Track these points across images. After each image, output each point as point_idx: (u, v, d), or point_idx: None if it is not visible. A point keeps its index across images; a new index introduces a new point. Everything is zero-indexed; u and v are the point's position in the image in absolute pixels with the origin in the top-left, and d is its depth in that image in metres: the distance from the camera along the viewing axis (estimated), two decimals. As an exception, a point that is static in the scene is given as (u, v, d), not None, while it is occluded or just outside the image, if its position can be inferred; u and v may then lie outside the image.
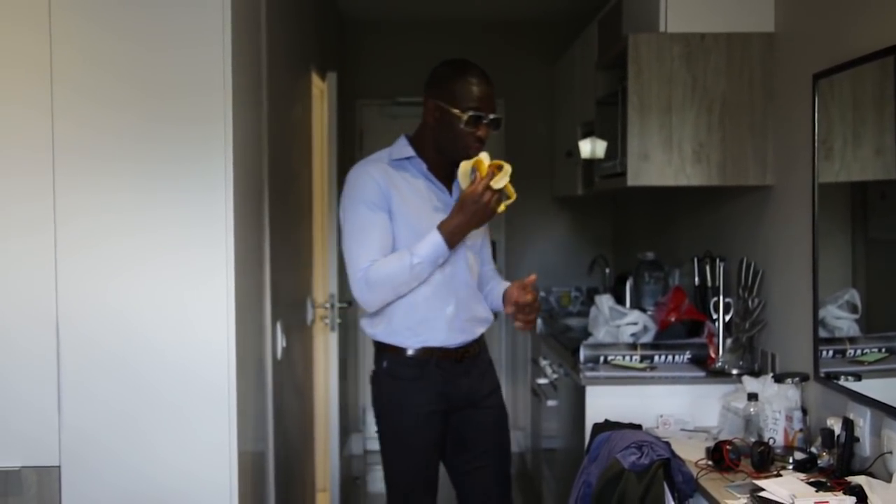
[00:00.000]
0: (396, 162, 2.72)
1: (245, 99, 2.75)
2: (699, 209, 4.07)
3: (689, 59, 3.20)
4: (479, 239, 2.85)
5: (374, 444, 6.10)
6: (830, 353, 2.82)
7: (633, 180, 3.23)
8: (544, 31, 6.04)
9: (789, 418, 2.87)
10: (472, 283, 2.80)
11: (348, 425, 6.07)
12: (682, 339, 3.54)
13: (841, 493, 2.27)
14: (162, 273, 2.54)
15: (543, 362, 4.31)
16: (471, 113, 2.63)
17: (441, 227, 2.62)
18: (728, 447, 2.65)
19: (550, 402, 4.04)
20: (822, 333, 2.83)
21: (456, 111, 2.64)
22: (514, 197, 2.67)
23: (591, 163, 3.86)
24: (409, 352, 2.71)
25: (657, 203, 4.83)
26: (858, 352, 2.72)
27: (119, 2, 2.50)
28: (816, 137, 2.79)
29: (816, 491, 2.29)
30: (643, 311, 3.79)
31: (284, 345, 3.30)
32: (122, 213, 2.53)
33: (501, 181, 2.62)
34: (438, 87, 2.69)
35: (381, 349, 2.76)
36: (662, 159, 3.22)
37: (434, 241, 2.61)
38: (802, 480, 2.40)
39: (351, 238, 2.66)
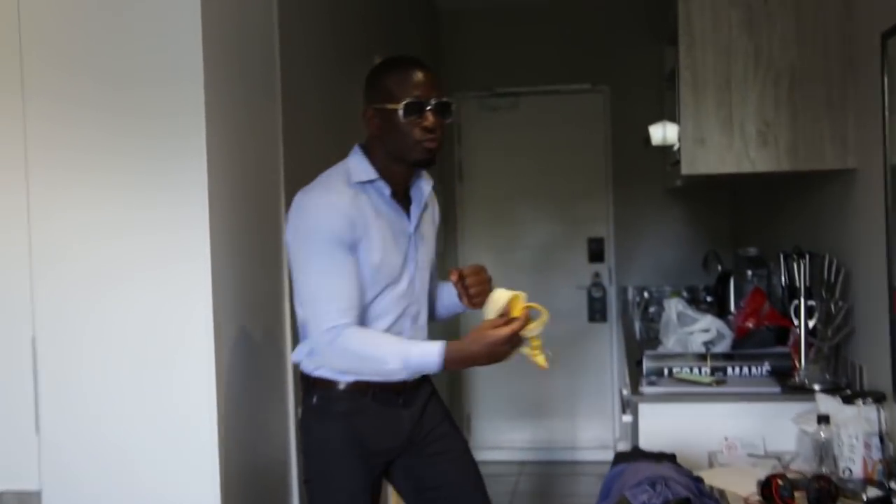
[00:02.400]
0: (359, 186, 2.34)
1: (234, 91, 2.54)
2: (797, 198, 3.59)
3: (750, 25, 2.77)
4: (431, 259, 2.55)
5: (480, 454, 5.90)
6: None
7: (687, 168, 2.82)
8: (653, 5, 5.59)
9: (868, 445, 2.41)
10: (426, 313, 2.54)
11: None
12: (763, 349, 3.10)
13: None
14: (144, 284, 2.37)
15: (627, 371, 3.92)
16: (406, 100, 2.29)
17: (449, 349, 2.25)
18: (779, 481, 2.23)
19: (626, 418, 3.65)
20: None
21: (391, 105, 2.30)
22: (542, 362, 2.32)
23: (663, 149, 3.46)
24: (341, 385, 2.37)
25: (767, 192, 4.34)
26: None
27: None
28: (886, 108, 2.32)
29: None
30: (727, 315, 3.36)
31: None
32: (99, 219, 2.38)
33: (535, 330, 2.28)
34: (371, 91, 2.37)
35: (310, 384, 2.42)
36: (721, 143, 2.80)
37: (430, 358, 2.24)
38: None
39: (317, 286, 2.27)
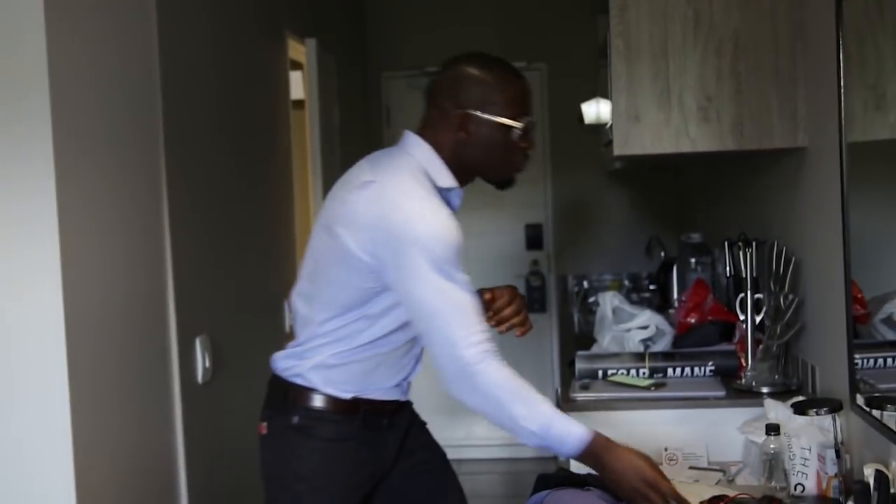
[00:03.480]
0: (443, 193, 2.05)
1: (91, 60, 2.19)
2: (742, 180, 3.31)
3: (689, -14, 2.48)
4: None
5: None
6: (873, 365, 2.08)
7: (620, 148, 2.52)
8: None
9: (822, 459, 2.14)
10: None
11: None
12: (707, 346, 2.82)
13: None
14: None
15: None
16: (528, 120, 2.06)
17: (598, 439, 1.91)
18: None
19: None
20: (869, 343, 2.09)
21: (508, 121, 2.02)
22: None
23: (597, 129, 3.16)
24: (329, 402, 2.06)
25: (711, 173, 4.07)
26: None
27: None
28: (842, 79, 2.04)
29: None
30: (667, 309, 3.07)
31: (208, 365, 2.73)
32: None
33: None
34: (472, 91, 2.04)
35: (288, 395, 2.09)
36: (658, 119, 2.50)
37: (574, 438, 1.90)
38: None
39: (450, 300, 1.92)
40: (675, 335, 2.91)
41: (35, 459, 2.02)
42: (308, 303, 2.09)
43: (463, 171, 2.07)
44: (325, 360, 2.05)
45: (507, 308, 2.19)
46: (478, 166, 2.09)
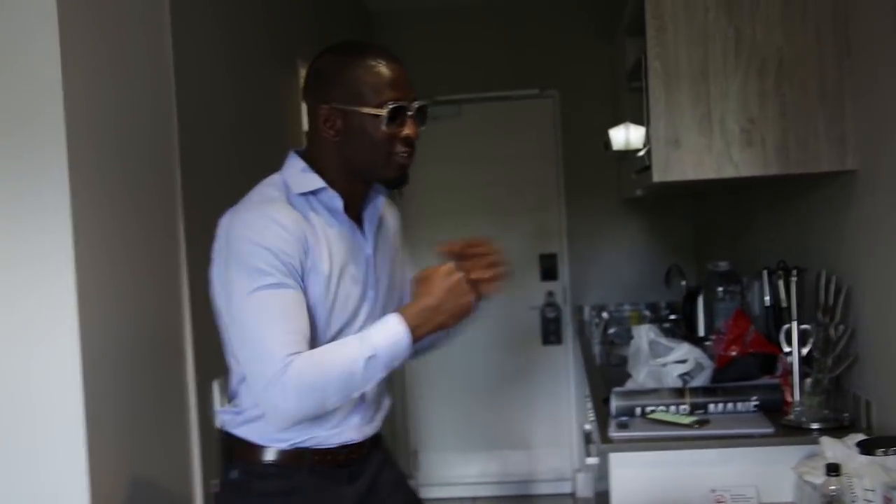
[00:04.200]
0: (301, 199, 1.85)
1: (106, 96, 2.08)
2: (779, 205, 3.19)
3: (728, 6, 2.37)
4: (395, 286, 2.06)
5: (429, 492, 5.48)
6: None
7: (660, 174, 2.41)
8: (601, 5, 5.20)
9: (888, 500, 2.01)
10: None
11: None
12: (748, 380, 2.69)
13: None
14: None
15: (589, 403, 3.49)
16: (391, 105, 1.82)
17: (406, 314, 1.78)
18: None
19: (590, 460, 3.22)
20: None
21: (368, 109, 1.82)
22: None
23: (625, 155, 3.05)
24: (269, 455, 1.87)
25: (738, 199, 3.95)
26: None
27: None
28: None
29: None
30: (703, 342, 2.94)
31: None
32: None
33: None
34: (329, 85, 1.86)
35: (231, 450, 1.92)
36: (699, 143, 2.39)
37: (394, 329, 1.76)
38: None
39: (257, 321, 1.73)
40: (714, 369, 2.77)
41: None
42: (230, 355, 1.90)
43: (348, 173, 1.88)
44: (255, 413, 1.86)
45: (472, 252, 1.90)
46: (359, 164, 1.87)
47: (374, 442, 2.01)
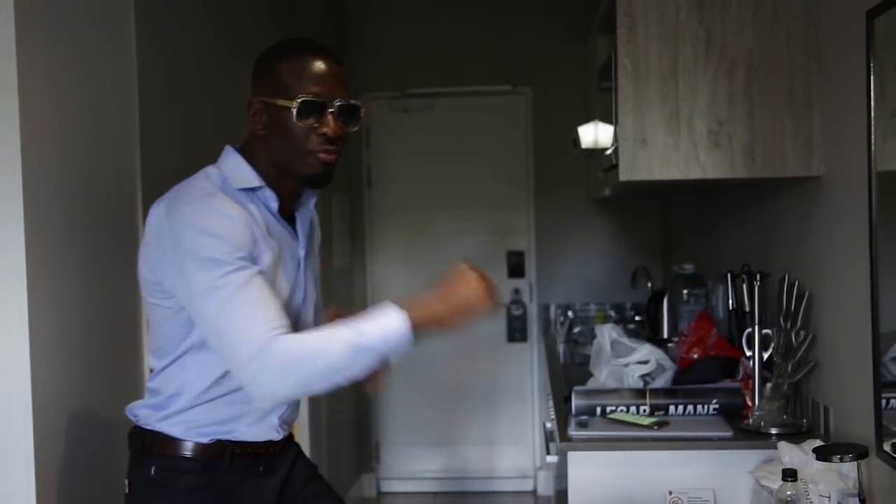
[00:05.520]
0: (239, 193, 1.81)
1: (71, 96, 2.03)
2: (745, 208, 3.19)
3: (700, 6, 2.35)
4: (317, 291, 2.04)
5: (390, 486, 5.46)
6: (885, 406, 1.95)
7: (626, 173, 2.39)
8: (574, 4, 5.19)
9: (843, 508, 2.01)
10: None
11: (360, 464, 5.32)
12: (709, 383, 2.68)
13: None
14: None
15: (551, 402, 3.47)
16: (301, 98, 1.78)
17: (406, 304, 1.74)
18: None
19: (550, 458, 3.20)
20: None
21: (283, 102, 1.79)
22: None
23: (593, 153, 3.03)
24: (188, 450, 1.84)
25: (703, 201, 3.95)
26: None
27: None
28: (873, 105, 1.92)
29: None
30: (667, 343, 2.94)
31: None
32: None
33: None
34: (261, 78, 1.85)
35: (146, 445, 1.86)
36: (666, 143, 2.37)
37: (393, 323, 1.70)
38: None
39: (229, 310, 1.68)
40: (675, 371, 2.76)
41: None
42: (151, 354, 1.90)
43: (273, 168, 1.85)
44: (175, 408, 1.83)
45: None
46: (281, 159, 1.83)
47: (288, 438, 2.00)
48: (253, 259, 1.74)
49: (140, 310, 2.38)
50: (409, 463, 5.44)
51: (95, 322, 2.17)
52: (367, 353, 1.68)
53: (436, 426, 5.40)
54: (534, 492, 5.36)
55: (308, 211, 1.96)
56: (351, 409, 5.15)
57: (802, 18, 2.34)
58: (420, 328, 1.72)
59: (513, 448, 5.39)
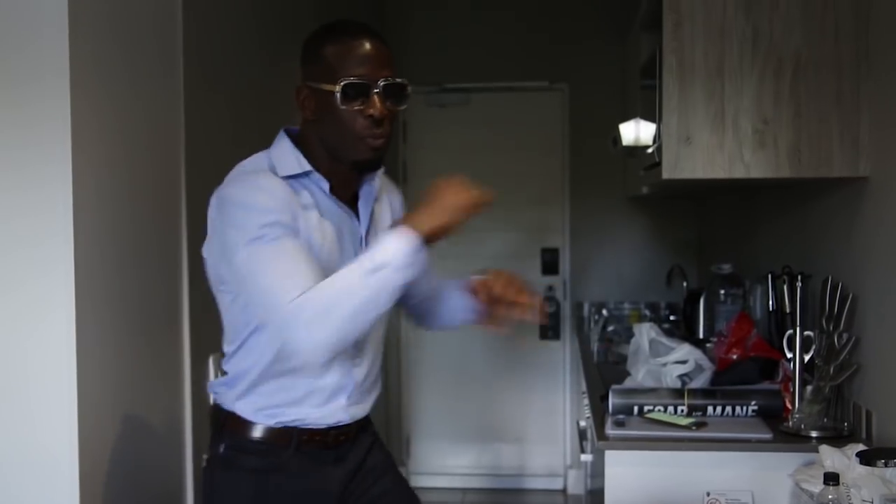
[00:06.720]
0: (290, 179, 1.82)
1: (119, 90, 2.05)
2: (784, 209, 3.16)
3: (748, 3, 2.33)
4: None
5: (420, 480, 5.45)
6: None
7: (669, 172, 2.37)
8: (614, 3, 5.16)
9: (886, 513, 1.98)
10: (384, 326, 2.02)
11: (389, 458, 5.33)
12: (748, 385, 2.65)
13: None
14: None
15: (585, 400, 3.46)
16: (344, 81, 1.76)
17: (405, 222, 1.76)
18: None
19: (585, 457, 3.19)
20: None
21: (328, 86, 1.78)
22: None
23: (633, 151, 3.01)
24: (257, 432, 1.87)
25: (743, 201, 3.92)
26: None
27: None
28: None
29: None
30: (703, 344, 2.91)
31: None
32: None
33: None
34: (307, 63, 1.85)
35: (220, 424, 1.92)
36: (711, 142, 2.35)
37: (397, 237, 1.70)
38: None
39: (262, 271, 1.70)
40: (714, 371, 2.74)
41: (41, 480, 1.87)
42: (224, 340, 1.93)
43: (327, 155, 1.85)
44: (245, 386, 1.87)
45: (505, 288, 1.95)
46: (331, 145, 1.84)
47: (363, 425, 2.00)
48: (294, 230, 1.75)
49: (183, 304, 2.40)
50: (439, 458, 5.44)
51: (139, 316, 2.19)
52: (386, 272, 1.67)
53: (467, 422, 5.41)
54: (563, 490, 5.35)
55: (371, 190, 1.94)
56: (383, 404, 5.16)
57: (852, 17, 2.31)
58: (423, 234, 1.71)
59: (543, 446, 5.38)
